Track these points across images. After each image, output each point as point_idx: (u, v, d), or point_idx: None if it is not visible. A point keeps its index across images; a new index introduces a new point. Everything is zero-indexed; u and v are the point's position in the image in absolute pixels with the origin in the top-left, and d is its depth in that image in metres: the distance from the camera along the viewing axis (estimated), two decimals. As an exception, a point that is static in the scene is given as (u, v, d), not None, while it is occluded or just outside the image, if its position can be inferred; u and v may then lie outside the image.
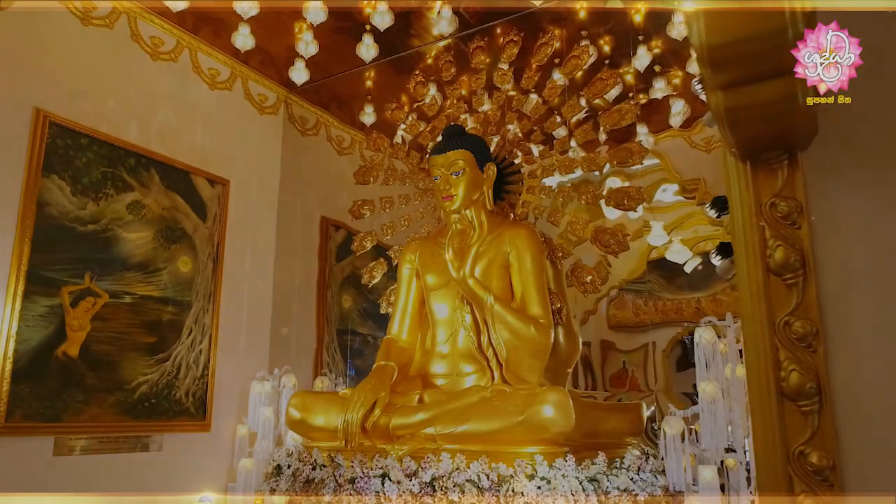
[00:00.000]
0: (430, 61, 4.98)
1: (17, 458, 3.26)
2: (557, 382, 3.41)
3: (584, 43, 4.26)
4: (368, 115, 5.15)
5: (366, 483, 2.72)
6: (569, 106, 3.84)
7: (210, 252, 4.32)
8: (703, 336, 2.96)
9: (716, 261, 1.20)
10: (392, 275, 4.26)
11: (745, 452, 2.77)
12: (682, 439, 2.83)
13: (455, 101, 4.19)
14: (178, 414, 3.98)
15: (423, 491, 2.68)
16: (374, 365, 3.53)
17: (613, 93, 4.51)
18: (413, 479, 2.71)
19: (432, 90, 4.55)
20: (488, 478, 2.65)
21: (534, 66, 3.90)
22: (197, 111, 4.44)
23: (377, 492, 2.70)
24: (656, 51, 4.53)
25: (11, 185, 3.38)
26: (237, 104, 4.75)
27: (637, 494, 2.79)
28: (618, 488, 2.73)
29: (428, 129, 4.22)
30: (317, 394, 3.72)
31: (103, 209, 3.75)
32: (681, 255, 7.68)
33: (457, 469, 2.71)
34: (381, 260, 4.29)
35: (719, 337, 3.11)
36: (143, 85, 4.11)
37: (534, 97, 4.02)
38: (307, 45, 4.16)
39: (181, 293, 4.11)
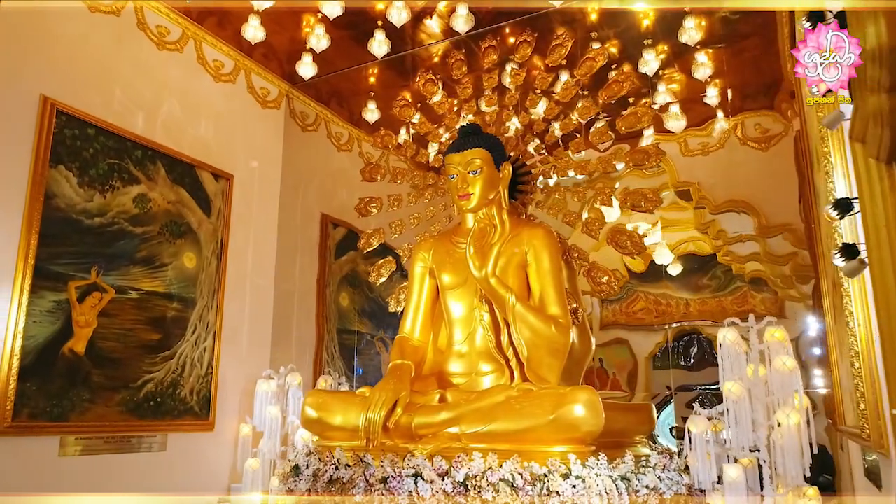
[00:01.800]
0: (435, 60, 4.97)
1: (23, 459, 3.13)
2: (571, 382, 3.43)
3: (596, 45, 4.30)
4: (372, 112, 5.11)
5: (399, 483, 2.69)
6: (583, 107, 3.86)
7: (214, 248, 4.22)
8: (728, 337, 3.01)
9: (840, 262, 1.21)
10: (398, 273, 4.22)
11: (768, 451, 2.83)
12: (707, 439, 2.87)
13: (463, 101, 4.18)
14: (183, 413, 3.88)
15: (455, 490, 2.67)
16: (390, 364, 3.50)
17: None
18: (446, 478, 2.69)
19: (440, 88, 4.51)
20: (521, 477, 2.65)
21: (541, 67, 3.91)
22: (202, 103, 4.34)
23: (410, 492, 2.68)
24: (662, 56, 4.59)
25: (18, 175, 3.25)
26: (240, 97, 4.66)
27: (663, 493, 2.82)
28: (647, 487, 2.76)
29: (437, 127, 4.21)
30: (333, 393, 3.67)
31: (110, 202, 3.64)
32: (665, 258, 7.79)
33: (489, 468, 2.70)
34: (390, 258, 4.25)
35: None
36: (149, 75, 4.00)
37: (543, 99, 4.03)
38: (319, 39, 4.11)
39: (186, 289, 4.00)
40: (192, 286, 4.04)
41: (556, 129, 3.94)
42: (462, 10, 3.95)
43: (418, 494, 2.67)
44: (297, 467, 3.20)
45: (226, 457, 4.14)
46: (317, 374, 4.82)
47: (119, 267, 3.64)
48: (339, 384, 4.53)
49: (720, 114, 5.11)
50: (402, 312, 3.86)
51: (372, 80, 5.19)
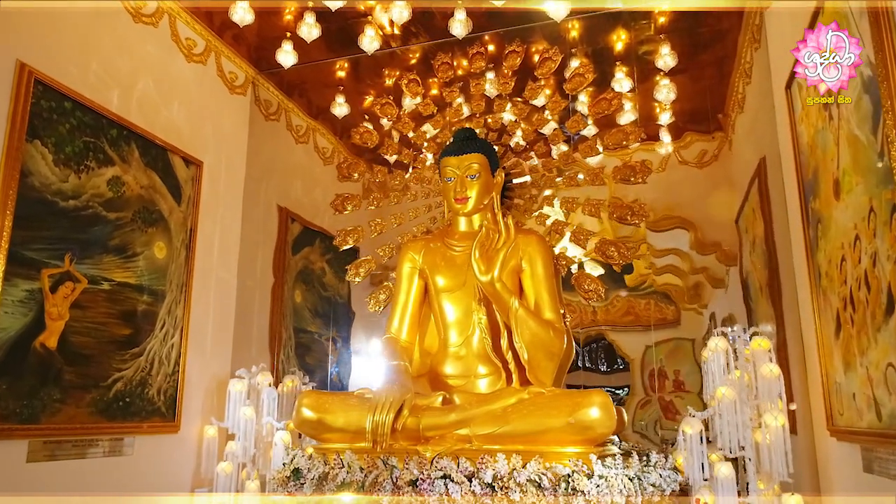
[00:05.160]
0: (413, 61, 4.96)
1: (-11, 465, 2.81)
2: (556, 384, 3.56)
3: (579, 62, 4.47)
4: (341, 106, 5.00)
5: (429, 485, 2.68)
6: (573, 121, 4.01)
7: (183, 238, 3.97)
8: (718, 345, 3.28)
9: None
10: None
11: (754, 451, 3.11)
12: (701, 439, 3.10)
13: (447, 105, 4.22)
14: (151, 414, 3.61)
15: (483, 491, 2.70)
16: (387, 364, 3.47)
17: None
18: (474, 479, 2.72)
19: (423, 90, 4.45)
20: (546, 477, 2.73)
21: (508, 72, 4.00)
22: (174, 83, 4.06)
23: (440, 493, 2.68)
24: (629, 79, 4.83)
25: (-9, 148, 2.90)
26: (210, 80, 4.41)
27: (664, 490, 3.00)
28: (652, 485, 2.93)
29: (419, 127, 4.22)
30: (330, 393, 3.57)
31: (84, 183, 3.32)
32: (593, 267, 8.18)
33: (514, 469, 2.76)
34: (369, 257, 4.21)
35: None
36: (125, 49, 3.70)
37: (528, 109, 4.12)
38: (310, 29, 3.98)
39: (156, 281, 3.73)
40: (162, 278, 3.77)
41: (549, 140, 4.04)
42: (460, 14, 3.97)
43: (448, 496, 2.68)
44: (297, 470, 3.10)
45: (190, 460, 3.91)
46: (276, 373, 4.65)
47: (92, 255, 3.33)
48: (305, 384, 4.41)
49: (666, 138, 5.46)
50: (389, 312, 3.83)
51: (341, 73, 5.08)
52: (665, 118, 5.12)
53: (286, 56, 4.25)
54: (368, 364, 5.56)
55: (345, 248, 4.22)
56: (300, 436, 3.98)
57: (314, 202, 5.51)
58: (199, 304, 4.06)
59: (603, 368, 9.16)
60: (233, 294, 4.45)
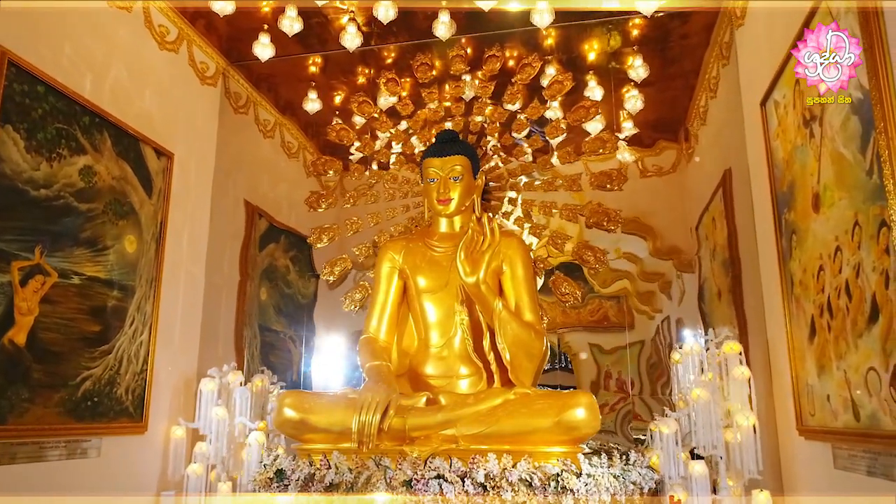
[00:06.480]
0: (388, 61, 4.93)
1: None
2: (532, 385, 3.63)
3: (554, 70, 4.56)
4: (313, 102, 4.93)
5: (424, 485, 2.69)
6: (551, 127, 4.09)
7: (154, 232, 3.83)
8: (693, 349, 3.42)
9: None
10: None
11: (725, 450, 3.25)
12: (676, 440, 3.21)
13: (426, 106, 4.24)
14: (119, 414, 3.47)
15: (475, 491, 2.73)
16: (367, 364, 3.46)
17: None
18: (466, 479, 2.74)
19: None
20: (537, 477, 2.78)
21: (486, 76, 4.07)
22: (147, 71, 3.91)
23: (434, 493, 2.69)
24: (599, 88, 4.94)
25: (-39, 131, 2.73)
26: (182, 70, 4.27)
27: (643, 488, 3.11)
28: (633, 483, 3.03)
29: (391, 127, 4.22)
30: (313, 393, 3.52)
31: (56, 172, 3.16)
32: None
33: (505, 469, 2.80)
34: (345, 256, 4.18)
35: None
36: (99, 33, 3.54)
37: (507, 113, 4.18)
38: (292, 22, 3.91)
39: (126, 276, 3.59)
40: (132, 273, 3.63)
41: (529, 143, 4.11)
42: (444, 16, 3.98)
43: (443, 495, 2.69)
44: (280, 471, 3.05)
45: (157, 462, 3.77)
46: (244, 373, 4.53)
47: (63, 247, 3.18)
48: (274, 383, 4.32)
49: (622, 145, 5.60)
50: (367, 312, 3.81)
51: (313, 69, 5.01)
52: (629, 126, 5.26)
53: (263, 49, 4.17)
54: (332, 364, 5.50)
55: (319, 245, 4.18)
56: (268, 436, 3.91)
57: (279, 198, 5.42)
58: (168, 300, 3.93)
59: (555, 368, 9.34)
60: (200, 291, 4.32)
